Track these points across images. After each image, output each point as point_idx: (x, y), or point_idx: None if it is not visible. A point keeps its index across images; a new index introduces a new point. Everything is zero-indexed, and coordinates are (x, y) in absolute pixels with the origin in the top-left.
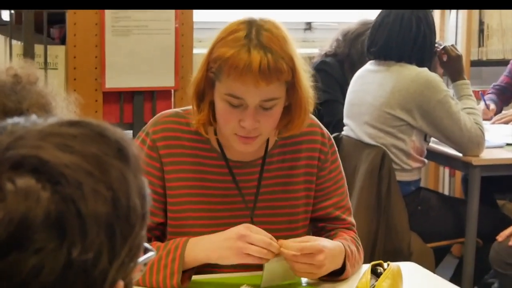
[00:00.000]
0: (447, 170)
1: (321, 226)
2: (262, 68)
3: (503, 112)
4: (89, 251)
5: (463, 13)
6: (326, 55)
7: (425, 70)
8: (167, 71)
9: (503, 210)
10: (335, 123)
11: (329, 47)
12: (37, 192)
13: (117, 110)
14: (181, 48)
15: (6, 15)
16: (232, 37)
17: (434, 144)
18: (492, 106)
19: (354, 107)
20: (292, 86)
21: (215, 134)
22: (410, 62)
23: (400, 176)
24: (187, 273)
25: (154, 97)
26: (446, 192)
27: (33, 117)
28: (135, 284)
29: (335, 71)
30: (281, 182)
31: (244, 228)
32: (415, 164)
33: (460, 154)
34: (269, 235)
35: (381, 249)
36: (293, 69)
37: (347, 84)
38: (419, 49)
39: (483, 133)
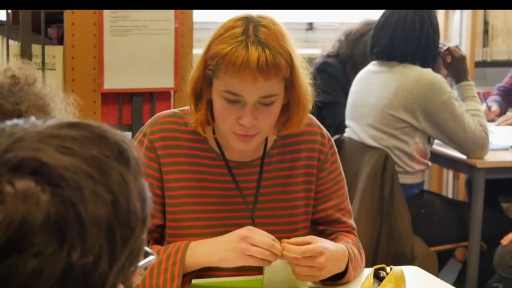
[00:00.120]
0: (451, 173)
1: (321, 229)
2: (260, 64)
3: (508, 113)
4: (89, 255)
5: (467, 13)
6: (328, 55)
7: (428, 71)
8: (166, 71)
9: (507, 214)
10: (337, 125)
11: (331, 48)
12: (37, 194)
13: (115, 112)
14: (180, 49)
15: (3, 14)
16: (229, 34)
17: (438, 146)
18: (494, 108)
19: (357, 108)
20: (291, 83)
21: (214, 133)
22: (413, 62)
23: (403, 179)
24: (188, 276)
25: (153, 98)
26: (450, 195)
27: (32, 119)
28: None
29: (337, 72)
30: (280, 182)
31: (246, 230)
32: (419, 167)
33: (464, 157)
34: (272, 236)
35: (384, 253)
36: (291, 66)
37: (350, 85)
38: (422, 49)
39: (487, 135)
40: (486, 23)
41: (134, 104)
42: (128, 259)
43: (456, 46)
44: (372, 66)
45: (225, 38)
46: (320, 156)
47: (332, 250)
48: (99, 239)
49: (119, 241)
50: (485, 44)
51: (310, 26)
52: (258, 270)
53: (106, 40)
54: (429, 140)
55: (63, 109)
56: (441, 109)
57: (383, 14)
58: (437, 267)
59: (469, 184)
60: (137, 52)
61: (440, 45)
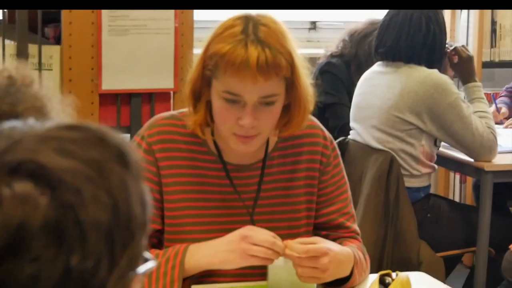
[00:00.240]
0: (458, 176)
1: (323, 234)
2: (260, 63)
3: None
4: (88, 260)
5: (474, 12)
6: (331, 56)
7: (435, 71)
8: (166, 72)
9: None
10: (341, 127)
11: (335, 48)
12: (35, 197)
13: (114, 113)
14: (180, 49)
15: None
16: (229, 33)
17: (445, 149)
18: (504, 109)
19: (361, 110)
20: (291, 84)
21: (213, 135)
22: (419, 63)
23: (409, 182)
24: (188, 280)
25: (153, 99)
26: (457, 199)
27: (31, 120)
28: None
29: (341, 73)
30: (281, 186)
31: (246, 230)
32: (425, 170)
33: (472, 160)
34: (273, 234)
35: (389, 258)
36: (292, 65)
37: (354, 86)
38: (429, 49)
39: (495, 138)
40: (494, 23)
41: (132, 106)
42: (128, 265)
43: (463, 46)
44: (377, 66)
45: (224, 37)
46: (322, 159)
47: (337, 252)
48: (98, 243)
49: (119, 246)
50: (493, 44)
51: (313, 25)
52: (262, 276)
53: (104, 40)
54: (436, 143)
55: (60, 110)
56: (448, 111)
57: (388, 13)
58: (444, 273)
59: (477, 187)
60: (136, 52)
61: (446, 45)
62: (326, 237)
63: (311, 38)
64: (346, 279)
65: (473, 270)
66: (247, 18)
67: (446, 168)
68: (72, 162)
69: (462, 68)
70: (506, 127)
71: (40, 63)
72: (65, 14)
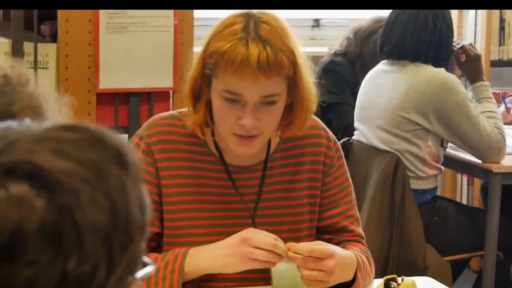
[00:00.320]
0: (465, 178)
1: (327, 238)
2: (261, 62)
3: None
4: (85, 264)
5: (482, 10)
6: (335, 54)
7: (442, 70)
8: (165, 71)
9: None
10: (345, 127)
11: (339, 46)
12: (32, 200)
13: (111, 113)
14: (180, 47)
15: None
16: (229, 31)
17: (452, 150)
18: None
19: (366, 110)
20: (293, 83)
21: (213, 136)
22: (426, 62)
23: (415, 184)
24: (187, 285)
25: (151, 98)
26: (464, 202)
27: (27, 120)
28: None
29: (345, 72)
30: (283, 188)
31: (247, 232)
32: (431, 172)
33: (479, 161)
34: (274, 236)
35: (395, 262)
36: (294, 64)
37: (358, 85)
38: (435, 48)
39: (504, 138)
40: (502, 20)
41: (131, 105)
42: (126, 269)
43: (471, 44)
44: (382, 65)
45: (224, 35)
46: (325, 161)
47: (342, 255)
48: (96, 247)
49: (117, 250)
50: (501, 42)
51: (316, 23)
52: (264, 280)
53: (101, 38)
54: (442, 144)
55: (57, 110)
56: (455, 111)
57: (394, 10)
58: (451, 278)
59: (485, 190)
60: (135, 50)
61: (453, 43)
62: (329, 241)
63: (314, 36)
64: (349, 283)
65: (481, 274)
66: (248, 16)
67: (453, 169)
68: (69, 164)
69: (469, 66)
70: None
71: (35, 61)
72: (61, 11)
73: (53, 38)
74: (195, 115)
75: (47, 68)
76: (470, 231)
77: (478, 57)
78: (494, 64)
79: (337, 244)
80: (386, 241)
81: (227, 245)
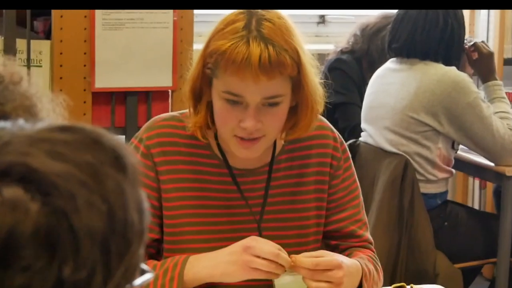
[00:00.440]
0: (477, 182)
1: (333, 244)
2: (262, 61)
3: None
4: (82, 270)
5: None
6: (342, 52)
7: (452, 69)
8: (164, 69)
9: None
10: (351, 128)
11: (345, 43)
12: (26, 203)
13: (108, 113)
14: (179, 44)
15: None
16: (230, 29)
17: (463, 152)
18: None
19: (373, 110)
20: (298, 83)
21: (216, 139)
22: (436, 60)
23: (425, 188)
24: None
25: (149, 98)
26: (476, 206)
27: (20, 121)
28: None
29: (352, 70)
30: (289, 191)
31: (250, 240)
32: (442, 175)
33: (492, 164)
34: (278, 246)
35: (403, 270)
36: (298, 63)
37: (366, 84)
38: (446, 45)
39: None
40: None
41: (128, 105)
42: (124, 276)
43: (483, 42)
44: (390, 63)
45: (225, 33)
46: (332, 162)
47: (348, 265)
48: (93, 253)
49: (115, 256)
50: None
51: (322, 19)
52: None
53: (97, 34)
54: (453, 146)
55: (51, 110)
56: (467, 111)
57: None
58: (462, 286)
59: (498, 194)
60: (132, 47)
61: (465, 41)
62: (336, 247)
63: (320, 32)
64: None
65: (494, 282)
66: (250, 13)
67: (464, 172)
68: (65, 166)
69: (481, 65)
70: None
71: (28, 59)
72: None
73: (47, 35)
74: (195, 117)
75: (40, 66)
76: (482, 237)
77: (490, 54)
78: (508, 62)
79: (344, 250)
80: (394, 247)
81: (229, 253)
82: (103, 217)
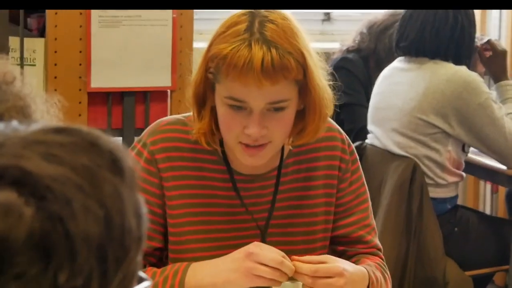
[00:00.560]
0: (488, 186)
1: (340, 250)
2: (264, 65)
3: None
4: (77, 278)
5: None
6: (348, 50)
7: (463, 68)
8: (162, 68)
9: None
10: (357, 130)
11: (351, 42)
12: (19, 208)
13: (104, 114)
14: (179, 42)
15: None
16: (232, 31)
17: (474, 155)
18: None
19: (380, 111)
20: (304, 87)
21: (221, 145)
22: (446, 59)
23: (434, 193)
24: None
25: (148, 98)
26: (488, 211)
27: (14, 122)
28: None
29: (358, 69)
30: (296, 195)
31: (253, 246)
32: (452, 179)
33: (504, 167)
34: (282, 253)
35: (412, 278)
36: (304, 66)
37: (372, 84)
38: (456, 43)
39: None
40: None
41: (125, 106)
42: (121, 284)
43: (496, 40)
44: (398, 62)
45: (227, 36)
46: (341, 165)
47: (352, 272)
48: (89, 260)
49: (112, 263)
50: None
51: (327, 17)
52: None
53: (93, 32)
54: (464, 148)
55: (45, 111)
56: (478, 112)
57: None
58: None
59: (510, 198)
60: (129, 45)
61: (476, 39)
62: (343, 253)
63: (325, 30)
64: None
65: None
66: (253, 15)
67: (475, 176)
68: (60, 169)
69: (495, 63)
70: None
71: (22, 57)
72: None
73: (41, 33)
74: (199, 123)
75: (34, 65)
76: (494, 243)
77: (504, 53)
78: None
79: (351, 256)
80: (402, 254)
81: (231, 260)
82: (100, 223)
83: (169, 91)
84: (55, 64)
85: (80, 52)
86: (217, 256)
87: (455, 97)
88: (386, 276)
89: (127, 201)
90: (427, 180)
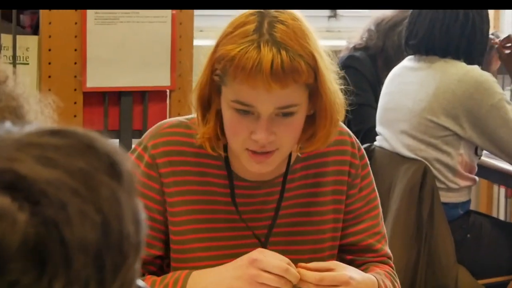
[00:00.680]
0: (502, 190)
1: (349, 259)
2: (274, 68)
3: None
4: (73, 285)
5: None
6: (355, 48)
7: (475, 68)
8: (161, 67)
9: None
10: (365, 132)
11: (359, 39)
12: (13, 213)
13: (100, 115)
14: (178, 40)
15: None
16: (240, 32)
17: (487, 158)
18: None
19: (389, 112)
20: (315, 91)
21: (225, 151)
22: (457, 57)
23: (445, 197)
24: None
25: (146, 98)
26: (502, 217)
27: (7, 124)
28: None
29: (366, 68)
30: (304, 202)
31: (257, 253)
32: (464, 183)
33: None
34: (287, 259)
35: (422, 286)
36: (315, 69)
37: (381, 84)
38: (468, 41)
39: None
40: None
41: (122, 106)
42: None
43: None
44: (407, 61)
45: (234, 37)
46: (350, 170)
47: (359, 281)
48: (86, 267)
49: (109, 270)
50: None
51: (334, 13)
52: None
53: (89, 30)
54: (476, 151)
55: (39, 112)
56: (491, 114)
57: None
58: None
59: None
60: (127, 43)
61: (491, 36)
62: (351, 262)
63: (331, 27)
64: None
65: None
66: (262, 15)
67: (489, 180)
68: (55, 173)
69: None
70: None
71: (14, 56)
72: None
73: (35, 30)
74: (204, 127)
75: (27, 64)
76: (508, 250)
77: None
78: None
79: (360, 265)
80: (412, 261)
81: (235, 267)
82: (96, 228)
83: (168, 90)
84: (49, 63)
85: (75, 50)
86: (221, 265)
87: (466, 97)
88: (396, 285)
89: (125, 206)
90: (438, 184)
